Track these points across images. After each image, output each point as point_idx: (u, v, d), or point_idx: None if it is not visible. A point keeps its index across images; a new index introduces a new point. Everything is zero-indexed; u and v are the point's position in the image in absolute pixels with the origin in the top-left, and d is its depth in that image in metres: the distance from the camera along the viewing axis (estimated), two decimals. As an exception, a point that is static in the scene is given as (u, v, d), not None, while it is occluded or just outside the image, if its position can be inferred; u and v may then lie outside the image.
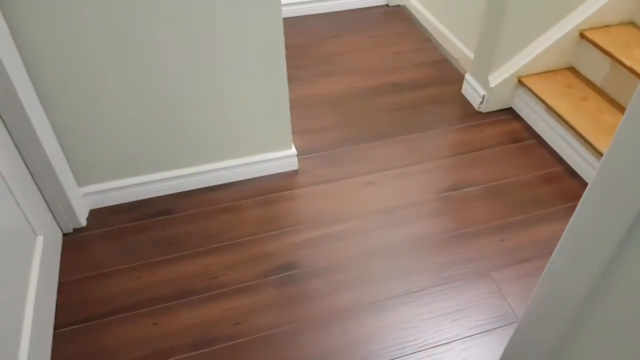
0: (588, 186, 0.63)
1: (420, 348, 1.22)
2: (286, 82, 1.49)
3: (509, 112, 1.93)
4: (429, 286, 1.35)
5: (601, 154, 1.52)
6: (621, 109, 1.66)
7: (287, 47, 1.42)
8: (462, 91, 2.03)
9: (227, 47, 1.35)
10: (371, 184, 1.65)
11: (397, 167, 1.71)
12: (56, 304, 1.31)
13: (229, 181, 1.66)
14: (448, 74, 2.16)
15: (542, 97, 1.75)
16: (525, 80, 1.82)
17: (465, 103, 1.99)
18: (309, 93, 2.05)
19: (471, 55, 2.16)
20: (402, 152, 1.77)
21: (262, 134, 1.59)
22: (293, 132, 1.78)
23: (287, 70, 1.45)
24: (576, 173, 1.66)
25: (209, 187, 1.64)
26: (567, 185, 1.63)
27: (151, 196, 1.61)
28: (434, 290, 1.34)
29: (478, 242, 1.46)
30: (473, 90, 1.95)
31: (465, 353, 1.21)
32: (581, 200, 0.65)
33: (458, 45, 2.32)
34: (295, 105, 1.95)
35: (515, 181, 1.65)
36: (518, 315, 1.29)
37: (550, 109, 1.71)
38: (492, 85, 1.84)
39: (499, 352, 1.21)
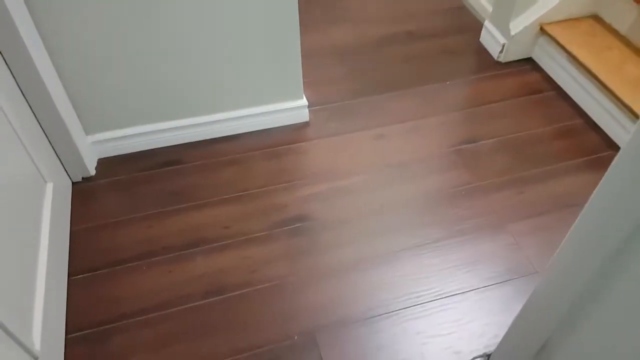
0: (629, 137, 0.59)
1: (436, 297, 1.22)
2: (298, 28, 1.42)
3: (529, 63, 1.86)
4: (443, 238, 1.34)
5: (625, 106, 1.46)
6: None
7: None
8: (481, 40, 1.95)
9: (236, -12, 1.28)
10: (382, 137, 1.61)
11: (410, 119, 1.66)
12: (69, 252, 1.31)
13: (239, 132, 1.62)
14: (465, 22, 2.06)
15: (565, 45, 1.67)
16: (548, 28, 1.73)
17: (483, 52, 1.91)
18: (317, 42, 1.97)
19: (488, 4, 2.06)
20: (415, 105, 1.71)
21: (272, 82, 1.54)
22: (304, 83, 1.72)
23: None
24: (597, 125, 1.61)
25: (218, 137, 1.61)
26: (588, 138, 1.58)
27: (160, 146, 1.58)
28: (449, 243, 1.33)
29: (493, 196, 1.43)
30: (492, 39, 1.86)
31: (480, 303, 1.21)
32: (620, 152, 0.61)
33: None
34: (305, 55, 1.86)
35: (533, 134, 1.60)
36: (535, 266, 1.28)
37: (573, 58, 1.64)
38: (513, 33, 1.76)
39: (515, 303, 1.21)
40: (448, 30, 2.02)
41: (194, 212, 1.40)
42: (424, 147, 1.57)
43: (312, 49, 1.93)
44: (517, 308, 1.17)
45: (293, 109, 1.62)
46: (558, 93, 1.73)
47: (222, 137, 1.61)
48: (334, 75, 1.83)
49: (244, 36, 1.38)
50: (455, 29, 2.03)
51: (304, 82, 1.73)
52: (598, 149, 1.55)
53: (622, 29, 1.68)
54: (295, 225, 1.37)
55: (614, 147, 1.54)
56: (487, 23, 1.90)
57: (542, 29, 1.75)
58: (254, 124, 1.62)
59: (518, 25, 1.76)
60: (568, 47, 1.66)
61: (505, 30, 1.79)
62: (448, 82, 1.79)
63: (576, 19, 1.76)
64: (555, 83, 1.76)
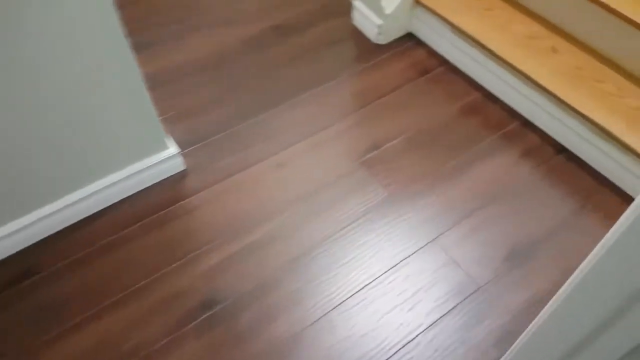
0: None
1: (385, 354, 1.06)
2: (134, 64, 1.10)
3: (411, 38, 1.70)
4: (379, 274, 1.17)
5: (519, 72, 1.36)
6: (532, 14, 1.49)
7: (120, 2, 1.01)
8: (354, 22, 1.75)
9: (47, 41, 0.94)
10: (282, 165, 1.38)
11: (306, 136, 1.44)
12: None
13: (107, 205, 1.29)
14: (333, 4, 1.85)
15: (442, 14, 1.52)
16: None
17: (360, 37, 1.72)
18: (171, 61, 1.64)
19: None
20: (305, 117, 1.49)
21: (126, 138, 1.23)
22: (166, 120, 1.42)
23: (132, 37, 1.06)
24: (495, 97, 1.51)
25: (82, 220, 1.27)
26: (490, 113, 1.48)
27: (5, 255, 1.21)
28: (388, 279, 1.16)
29: (416, 204, 1.29)
30: (366, 20, 1.67)
31: (434, 343, 1.07)
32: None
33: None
34: (158, 82, 1.55)
35: (436, 121, 1.46)
36: (478, 282, 1.16)
37: (454, 27, 1.50)
38: (387, 12, 1.58)
39: (470, 330, 1.08)
40: (317, 18, 1.79)
41: (73, 336, 1.09)
42: (330, 168, 1.37)
43: (167, 72, 1.60)
44: (473, 337, 1.04)
45: (161, 162, 1.32)
46: (447, 68, 1.60)
47: (87, 217, 1.27)
48: (203, 98, 1.54)
49: (76, 95, 1.05)
50: (324, 14, 1.81)
51: (167, 118, 1.42)
52: (503, 123, 1.45)
53: (494, -16, 1.56)
54: (204, 316, 1.12)
55: (518, 117, 1.45)
56: (356, 2, 1.70)
57: (417, 1, 1.59)
58: (119, 193, 1.30)
59: (391, 1, 1.58)
60: (446, 15, 1.52)
61: (378, 9, 1.60)
62: (333, 81, 1.58)
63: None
64: (442, 57, 1.62)
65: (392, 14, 1.59)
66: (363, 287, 1.15)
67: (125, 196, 1.31)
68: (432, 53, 1.64)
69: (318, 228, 1.25)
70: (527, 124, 1.43)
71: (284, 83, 1.57)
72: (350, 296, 1.14)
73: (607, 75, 1.32)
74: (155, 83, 1.44)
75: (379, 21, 1.62)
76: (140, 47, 1.21)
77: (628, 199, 1.26)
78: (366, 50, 1.67)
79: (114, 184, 1.27)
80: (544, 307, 0.62)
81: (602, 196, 1.29)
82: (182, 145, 1.39)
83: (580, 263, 0.52)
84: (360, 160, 1.38)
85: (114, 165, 1.25)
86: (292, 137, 1.44)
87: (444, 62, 1.61)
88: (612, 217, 1.20)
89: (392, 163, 1.37)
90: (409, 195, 1.31)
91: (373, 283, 1.16)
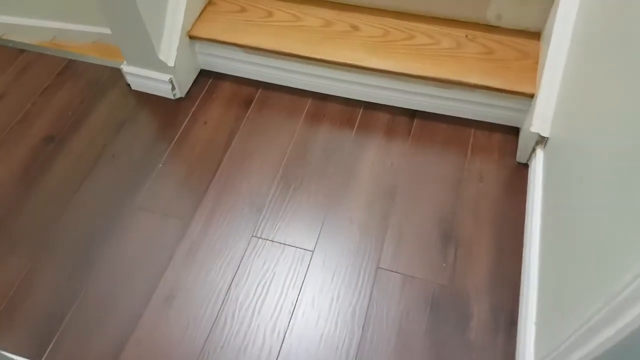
0: None
1: None
2: None
3: (207, 75, 1.49)
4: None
5: (333, 63, 1.29)
6: (317, 2, 1.41)
7: None
8: (136, 88, 1.47)
9: None
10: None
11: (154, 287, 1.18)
12: None
13: None
14: (93, 79, 1.51)
15: (225, 39, 1.35)
16: (195, 32, 1.37)
17: (153, 102, 1.45)
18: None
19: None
20: (144, 250, 1.21)
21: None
22: None
23: None
24: (327, 95, 1.42)
25: None
26: (331, 112, 1.40)
27: None
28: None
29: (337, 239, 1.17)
30: (150, 81, 1.41)
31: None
32: None
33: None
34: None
35: (296, 145, 1.33)
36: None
37: (245, 48, 1.35)
38: (171, 64, 1.34)
39: None
40: (85, 106, 1.45)
41: None
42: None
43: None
44: None
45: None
46: (264, 88, 1.45)
47: None
48: (11, 274, 1.14)
49: None
50: (90, 98, 1.47)
51: None
52: (349, 117, 1.39)
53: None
54: None
55: (358, 104, 1.40)
56: (125, 67, 1.41)
57: (191, 37, 1.38)
58: None
59: (169, 52, 1.34)
60: (228, 39, 1.35)
61: (159, 66, 1.35)
62: (161, 165, 1.31)
63: (211, 3, 1.43)
64: (252, 80, 1.46)
65: (178, 64, 1.36)
66: None
67: None
68: (239, 80, 1.47)
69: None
70: (369, 106, 1.40)
71: (88, 217, 1.25)
72: None
73: (414, 29, 1.34)
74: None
75: (165, 77, 1.37)
76: None
77: (493, 128, 1.33)
78: (169, 112, 1.42)
79: None
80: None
81: (475, 138, 1.33)
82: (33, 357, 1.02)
83: None
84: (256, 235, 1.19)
85: None
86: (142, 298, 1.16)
87: (257, 84, 1.46)
88: (497, 152, 1.27)
89: (284, 218, 1.21)
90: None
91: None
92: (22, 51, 1.61)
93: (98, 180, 1.29)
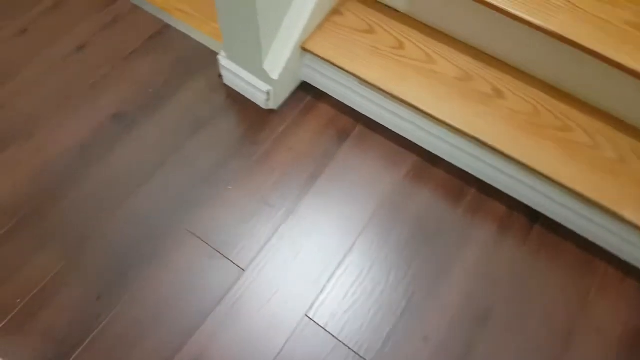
0: None
1: None
2: None
3: (307, 89, 1.28)
4: None
5: (458, 130, 1.05)
6: (454, 43, 1.15)
7: None
8: (227, 82, 1.28)
9: None
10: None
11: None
12: None
13: None
14: (181, 63, 1.33)
15: (339, 63, 1.12)
16: (311, 46, 1.15)
17: (241, 101, 1.26)
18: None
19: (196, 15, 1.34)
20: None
21: None
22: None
23: None
24: (436, 157, 1.18)
25: None
26: (438, 178, 1.16)
27: None
28: None
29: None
30: (245, 84, 1.21)
31: None
32: None
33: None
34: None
35: (387, 201, 1.11)
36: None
37: (358, 78, 1.12)
38: (274, 77, 1.14)
39: None
40: (166, 89, 1.27)
41: None
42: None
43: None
44: None
45: None
46: (366, 124, 1.23)
47: None
48: (41, 270, 1.01)
49: None
50: (174, 78, 1.29)
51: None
52: (459, 191, 1.16)
53: (400, 4, 1.19)
54: None
55: (472, 181, 1.16)
56: (222, 60, 1.22)
57: (304, 49, 1.17)
58: None
59: (275, 63, 1.13)
60: (342, 64, 1.12)
61: (261, 74, 1.15)
62: (230, 187, 1.13)
63: (337, 12, 1.20)
64: (355, 111, 1.23)
65: (281, 77, 1.15)
66: None
67: None
68: (340, 106, 1.25)
69: None
70: (485, 188, 1.15)
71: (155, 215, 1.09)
72: None
73: (573, 119, 1.07)
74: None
75: (264, 87, 1.17)
76: None
77: (630, 271, 1.06)
78: (256, 122, 1.23)
79: None
80: None
81: (605, 276, 1.06)
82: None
83: None
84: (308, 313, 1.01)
85: None
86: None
87: (358, 116, 1.24)
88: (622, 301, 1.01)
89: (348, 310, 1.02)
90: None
91: None
92: (117, -4, 1.44)
93: (156, 185, 1.13)
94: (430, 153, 1.18)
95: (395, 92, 1.09)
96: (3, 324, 0.96)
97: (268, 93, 1.18)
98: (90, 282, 1.01)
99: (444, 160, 1.17)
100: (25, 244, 1.05)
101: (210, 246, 1.05)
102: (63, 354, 0.94)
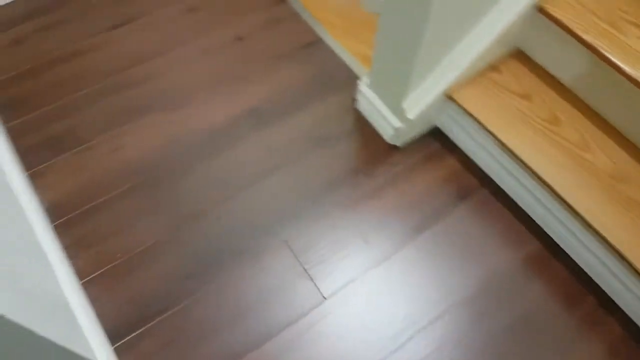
0: None
1: None
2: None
3: (436, 135, 1.23)
4: None
5: (602, 238, 0.94)
6: (616, 136, 1.04)
7: None
8: (358, 107, 1.28)
9: None
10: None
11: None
12: None
13: None
14: (324, 74, 1.35)
15: (485, 123, 1.07)
16: (458, 97, 1.10)
17: (365, 130, 1.25)
18: (92, 173, 1.16)
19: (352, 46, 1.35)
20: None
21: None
22: (89, 283, 0.99)
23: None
24: (561, 249, 1.07)
25: None
26: (556, 275, 1.06)
27: None
28: None
29: None
30: (377, 113, 1.20)
31: None
32: None
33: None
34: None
35: (496, 283, 1.04)
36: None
37: (501, 143, 1.05)
38: (410, 116, 1.11)
39: None
40: (304, 96, 1.30)
41: None
42: None
43: (80, 195, 1.12)
44: None
45: None
46: (492, 190, 1.16)
47: None
48: (148, 239, 1.08)
49: None
50: (314, 89, 1.31)
51: (90, 281, 0.96)
52: (578, 298, 1.04)
53: (566, 77, 1.10)
54: None
55: (593, 289, 1.03)
56: (362, 86, 1.21)
57: (450, 97, 1.12)
58: None
59: (417, 103, 1.10)
60: (489, 125, 1.06)
61: (396, 109, 1.13)
62: (366, 241, 1.13)
63: (495, 68, 1.14)
64: (483, 172, 1.17)
65: (416, 118, 1.12)
66: None
67: None
68: (468, 163, 1.19)
69: None
70: (605, 301, 1.02)
71: (275, 208, 1.11)
72: None
73: None
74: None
75: (397, 123, 1.15)
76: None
77: None
78: (375, 154, 1.21)
79: None
80: None
81: None
82: (114, 333, 0.95)
83: None
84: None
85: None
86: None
87: (486, 181, 1.17)
88: None
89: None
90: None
91: None
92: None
93: (267, 188, 1.15)
94: (555, 243, 1.07)
95: (536, 169, 1.01)
96: (101, 271, 1.04)
97: (397, 130, 1.15)
98: (186, 260, 1.05)
99: (568, 256, 1.06)
100: (141, 206, 1.12)
101: (301, 264, 1.05)
102: (142, 319, 0.99)
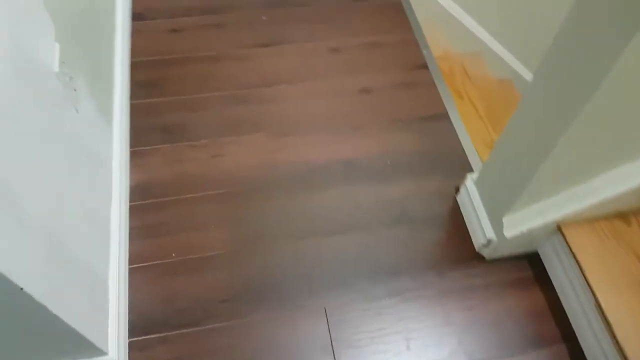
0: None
1: None
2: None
3: (532, 263, 1.09)
4: None
5: None
6: None
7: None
8: (458, 199, 1.18)
9: None
10: None
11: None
12: None
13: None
14: (441, 151, 1.27)
15: (590, 279, 0.91)
16: (569, 234, 0.96)
17: (456, 226, 1.14)
18: (186, 169, 1.21)
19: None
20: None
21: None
22: (135, 271, 1.02)
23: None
24: None
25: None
26: None
27: None
28: None
29: None
30: (473, 212, 1.09)
31: None
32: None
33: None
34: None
35: None
36: None
37: (600, 308, 0.88)
38: (507, 234, 0.99)
39: None
40: (413, 164, 1.24)
41: None
42: None
43: (162, 184, 1.17)
44: None
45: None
46: (572, 349, 0.98)
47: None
48: (207, 244, 1.09)
49: None
50: (425, 162, 1.25)
51: (137, 268, 0.99)
52: None
53: None
54: None
55: None
56: (469, 181, 1.12)
57: (560, 230, 0.98)
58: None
59: (518, 222, 0.98)
60: (589, 274, 0.90)
61: (495, 221, 1.02)
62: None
63: (623, 216, 0.98)
64: (569, 325, 1.00)
65: (512, 239, 1.00)
66: None
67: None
68: (555, 308, 1.02)
69: None
70: None
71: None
72: None
73: None
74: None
75: (490, 234, 1.03)
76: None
77: None
78: (454, 258, 1.10)
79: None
80: None
81: None
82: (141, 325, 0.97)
83: None
84: None
85: None
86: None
87: (569, 336, 0.99)
88: None
89: None
90: None
91: None
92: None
93: (331, 244, 1.10)
94: None
95: (628, 350, 0.83)
96: (151, 263, 1.07)
97: (489, 242, 1.04)
98: (234, 282, 1.04)
99: None
100: (213, 214, 1.14)
101: (332, 340, 0.98)
102: (166, 325, 0.99)
